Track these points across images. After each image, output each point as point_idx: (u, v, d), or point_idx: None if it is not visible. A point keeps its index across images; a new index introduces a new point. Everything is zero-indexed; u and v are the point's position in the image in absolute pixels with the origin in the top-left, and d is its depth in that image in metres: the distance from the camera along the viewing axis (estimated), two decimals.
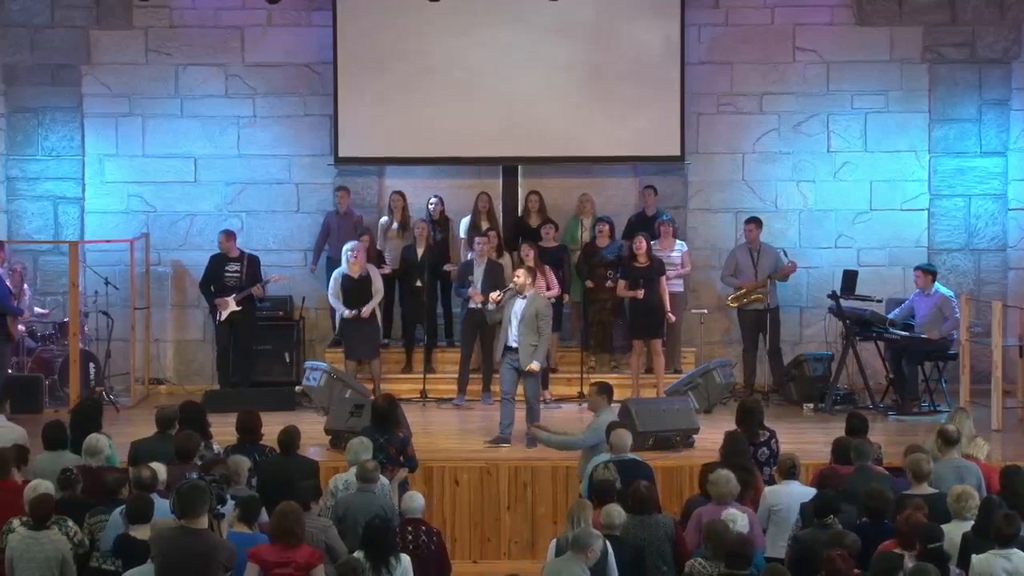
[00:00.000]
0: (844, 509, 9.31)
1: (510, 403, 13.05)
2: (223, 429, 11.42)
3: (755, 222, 15.78)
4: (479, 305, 14.78)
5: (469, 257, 15.24)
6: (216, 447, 10.77)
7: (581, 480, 10.90)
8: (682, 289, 15.76)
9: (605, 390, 11.54)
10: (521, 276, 13.04)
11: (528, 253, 14.76)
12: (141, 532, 8.84)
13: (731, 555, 8.46)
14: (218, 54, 16.51)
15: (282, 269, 16.19)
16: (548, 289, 14.76)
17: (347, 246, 15.11)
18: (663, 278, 14.97)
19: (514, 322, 12.90)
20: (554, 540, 9.20)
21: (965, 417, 11.09)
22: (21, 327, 14.74)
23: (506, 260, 15.44)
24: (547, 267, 15.02)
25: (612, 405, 11.68)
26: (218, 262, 15.42)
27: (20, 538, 8.87)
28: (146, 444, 10.77)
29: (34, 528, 8.91)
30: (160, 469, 9.71)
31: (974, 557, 8.42)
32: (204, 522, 8.47)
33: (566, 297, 15.60)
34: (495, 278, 14.93)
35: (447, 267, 15.59)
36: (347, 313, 14.94)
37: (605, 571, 8.94)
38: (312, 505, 9.44)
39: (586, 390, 15.12)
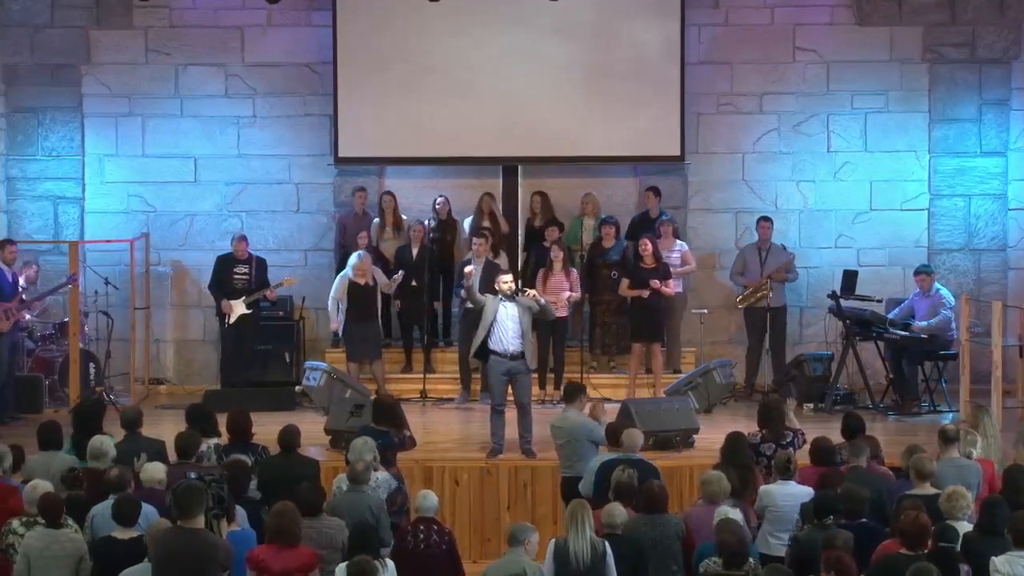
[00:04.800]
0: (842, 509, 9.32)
1: (503, 414, 12.83)
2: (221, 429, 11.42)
3: (769, 220, 15.80)
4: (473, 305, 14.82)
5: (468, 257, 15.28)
6: (204, 447, 10.72)
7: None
8: (681, 289, 15.76)
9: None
10: (508, 282, 12.94)
11: (558, 255, 14.88)
12: (123, 533, 8.84)
13: (729, 555, 8.47)
14: (218, 54, 16.51)
15: (282, 269, 16.15)
16: (571, 290, 14.91)
17: (354, 259, 15.02)
18: (670, 282, 14.97)
19: (511, 326, 12.76)
20: (552, 540, 9.17)
21: (983, 416, 11.03)
22: (9, 320, 14.60)
23: (502, 260, 15.44)
24: (573, 269, 15.04)
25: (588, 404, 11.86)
26: (226, 263, 15.39)
27: (38, 536, 8.88)
28: (119, 447, 10.64)
29: (50, 526, 8.91)
30: (158, 468, 9.72)
31: (994, 559, 8.37)
32: (201, 522, 8.47)
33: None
34: (492, 278, 14.94)
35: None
36: (336, 328, 15.11)
37: (604, 571, 8.94)
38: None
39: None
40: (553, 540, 9.15)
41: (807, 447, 10.78)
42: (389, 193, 16.11)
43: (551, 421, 11.77)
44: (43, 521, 9.00)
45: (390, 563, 8.87)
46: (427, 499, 9.69)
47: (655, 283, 14.75)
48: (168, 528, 8.58)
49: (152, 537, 8.57)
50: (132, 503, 8.98)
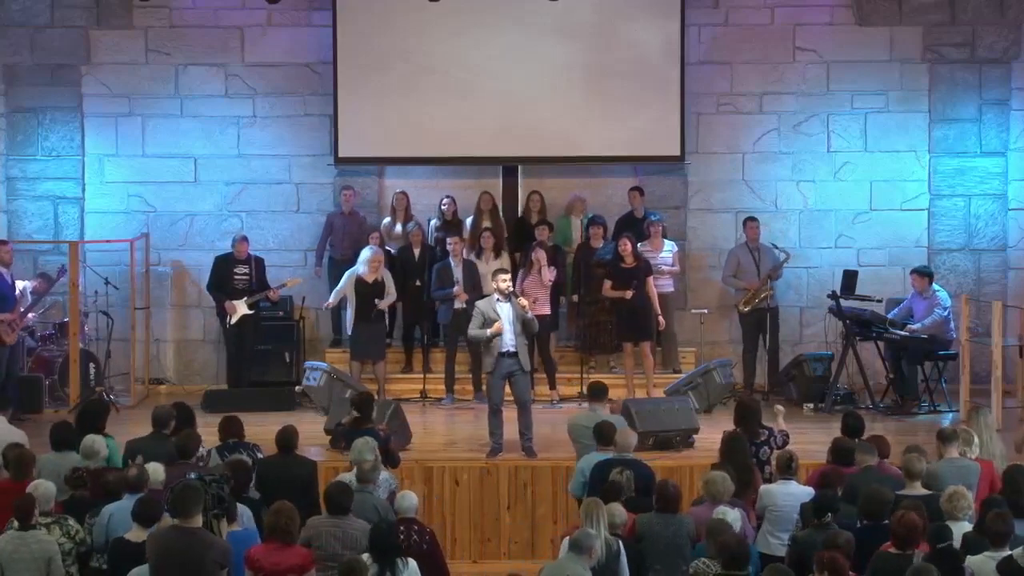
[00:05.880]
0: (843, 509, 9.32)
1: (501, 412, 12.82)
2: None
3: (756, 220, 15.81)
4: (463, 305, 14.78)
5: (478, 258, 15.29)
6: (201, 449, 10.71)
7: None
8: (673, 289, 15.73)
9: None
10: (507, 280, 12.93)
11: (540, 255, 14.82)
12: (136, 535, 8.83)
13: (729, 556, 8.47)
14: (218, 54, 16.51)
15: (282, 269, 16.13)
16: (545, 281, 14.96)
17: (367, 253, 15.03)
18: (650, 279, 14.94)
19: (507, 326, 12.70)
20: (566, 539, 9.17)
21: (976, 416, 11.04)
22: (15, 333, 14.59)
23: (504, 260, 15.44)
24: (551, 268, 15.04)
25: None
26: (226, 264, 15.38)
27: (8, 538, 8.89)
28: (140, 444, 10.76)
29: (21, 528, 8.91)
30: (158, 469, 9.72)
31: (969, 558, 8.41)
32: (198, 521, 8.49)
33: (562, 300, 15.61)
34: (472, 277, 14.97)
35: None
36: (328, 306, 15.08)
37: (618, 569, 8.95)
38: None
39: (587, 390, 15.18)
40: (566, 538, 9.14)
41: (811, 446, 10.79)
42: (403, 193, 16.10)
43: (575, 419, 11.68)
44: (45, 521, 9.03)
45: (412, 562, 8.86)
46: (406, 499, 9.68)
47: (627, 293, 14.70)
48: (165, 528, 8.60)
49: (150, 537, 8.58)
50: (155, 504, 8.97)
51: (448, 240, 15.25)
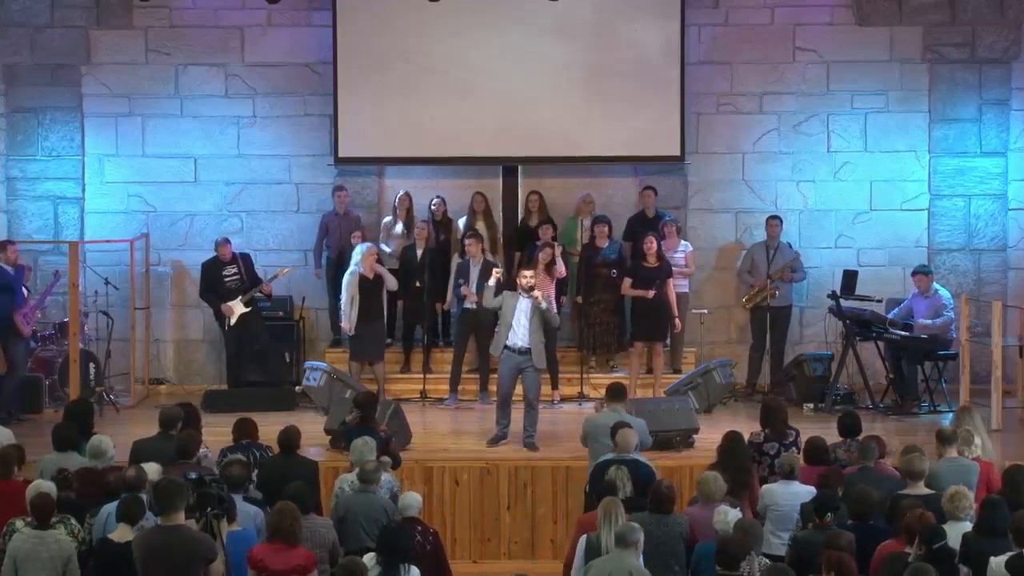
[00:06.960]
0: (843, 509, 9.34)
1: (509, 405, 12.97)
2: (224, 429, 11.44)
3: (777, 219, 15.83)
4: (473, 304, 14.78)
5: (462, 258, 15.28)
6: (203, 450, 10.71)
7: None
8: (687, 289, 15.76)
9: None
10: (528, 276, 13.00)
11: (548, 252, 14.83)
12: (121, 535, 8.81)
13: (722, 554, 8.48)
14: (218, 54, 16.51)
15: None
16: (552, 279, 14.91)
17: (362, 249, 15.02)
18: (670, 281, 14.95)
19: (524, 321, 12.86)
20: (584, 536, 9.18)
21: (968, 416, 11.06)
22: (29, 326, 14.64)
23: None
24: (558, 267, 15.05)
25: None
26: (214, 267, 15.38)
27: (25, 538, 8.87)
28: (148, 444, 10.79)
29: (38, 528, 8.90)
30: (152, 469, 9.71)
31: (992, 559, 8.39)
32: (181, 518, 8.51)
33: (563, 300, 15.61)
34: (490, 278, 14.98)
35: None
36: (348, 329, 14.91)
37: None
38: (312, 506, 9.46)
39: (587, 390, 15.20)
40: (585, 536, 9.16)
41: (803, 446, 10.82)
42: (407, 193, 16.08)
43: (593, 419, 11.57)
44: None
45: (415, 569, 8.83)
46: (409, 499, 9.69)
47: (649, 293, 14.70)
48: (149, 528, 8.60)
49: (135, 539, 8.58)
50: (138, 503, 8.96)
51: (465, 241, 15.22)
